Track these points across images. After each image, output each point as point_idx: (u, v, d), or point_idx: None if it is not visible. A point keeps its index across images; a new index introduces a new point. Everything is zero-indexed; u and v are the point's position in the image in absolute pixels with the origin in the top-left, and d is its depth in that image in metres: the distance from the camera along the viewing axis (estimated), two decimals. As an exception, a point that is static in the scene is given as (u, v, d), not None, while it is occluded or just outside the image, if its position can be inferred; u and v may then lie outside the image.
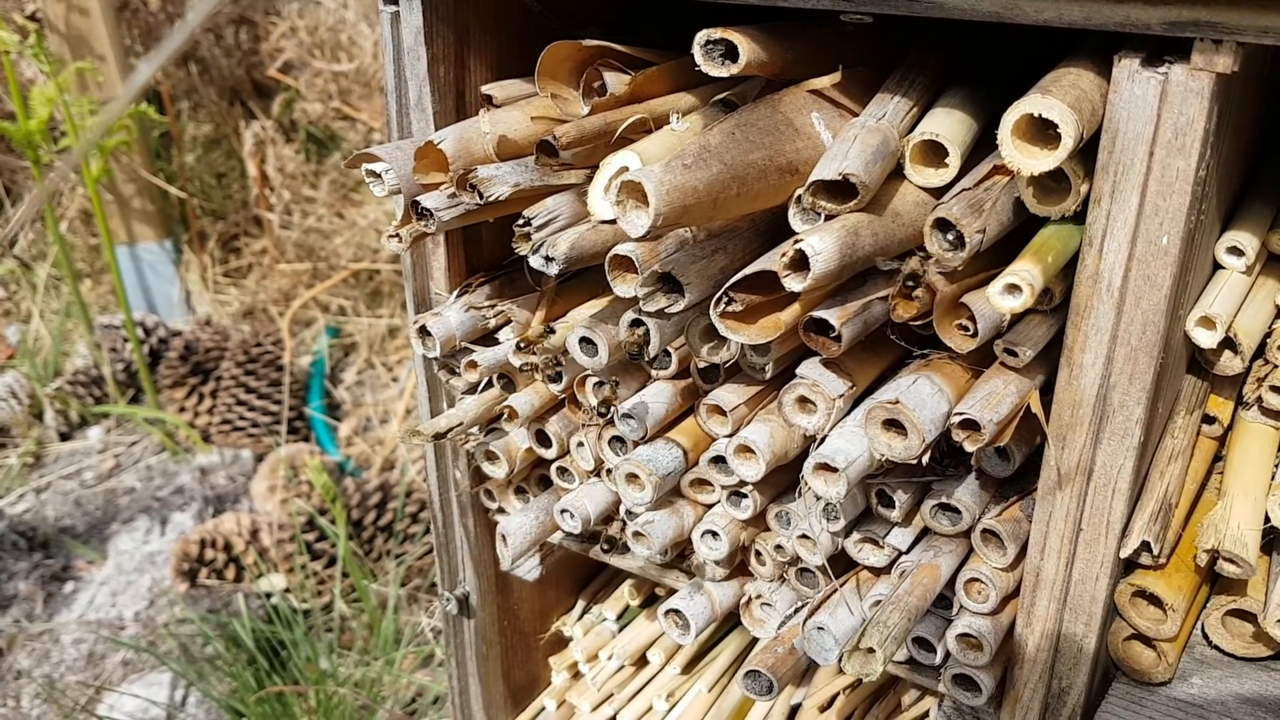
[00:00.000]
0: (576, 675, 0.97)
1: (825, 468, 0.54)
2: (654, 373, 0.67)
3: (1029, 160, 0.47)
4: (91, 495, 2.24)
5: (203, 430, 2.31)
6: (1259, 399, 0.61)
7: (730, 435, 0.63)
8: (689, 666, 0.93)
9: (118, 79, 2.58)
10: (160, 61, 0.37)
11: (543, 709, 0.96)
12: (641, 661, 0.94)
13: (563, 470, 0.75)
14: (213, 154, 2.89)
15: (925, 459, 0.53)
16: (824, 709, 0.85)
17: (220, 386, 2.34)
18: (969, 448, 0.52)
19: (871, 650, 0.52)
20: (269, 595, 1.88)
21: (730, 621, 0.89)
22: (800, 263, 0.50)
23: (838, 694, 0.84)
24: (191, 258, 2.74)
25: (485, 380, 0.74)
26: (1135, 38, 0.47)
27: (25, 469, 2.30)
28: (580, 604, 1.00)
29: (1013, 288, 0.48)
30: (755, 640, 0.92)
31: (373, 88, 2.87)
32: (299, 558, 1.89)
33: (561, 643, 1.00)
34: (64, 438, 2.41)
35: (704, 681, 0.90)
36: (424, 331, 0.71)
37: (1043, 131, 0.47)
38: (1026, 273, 0.47)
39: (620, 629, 0.96)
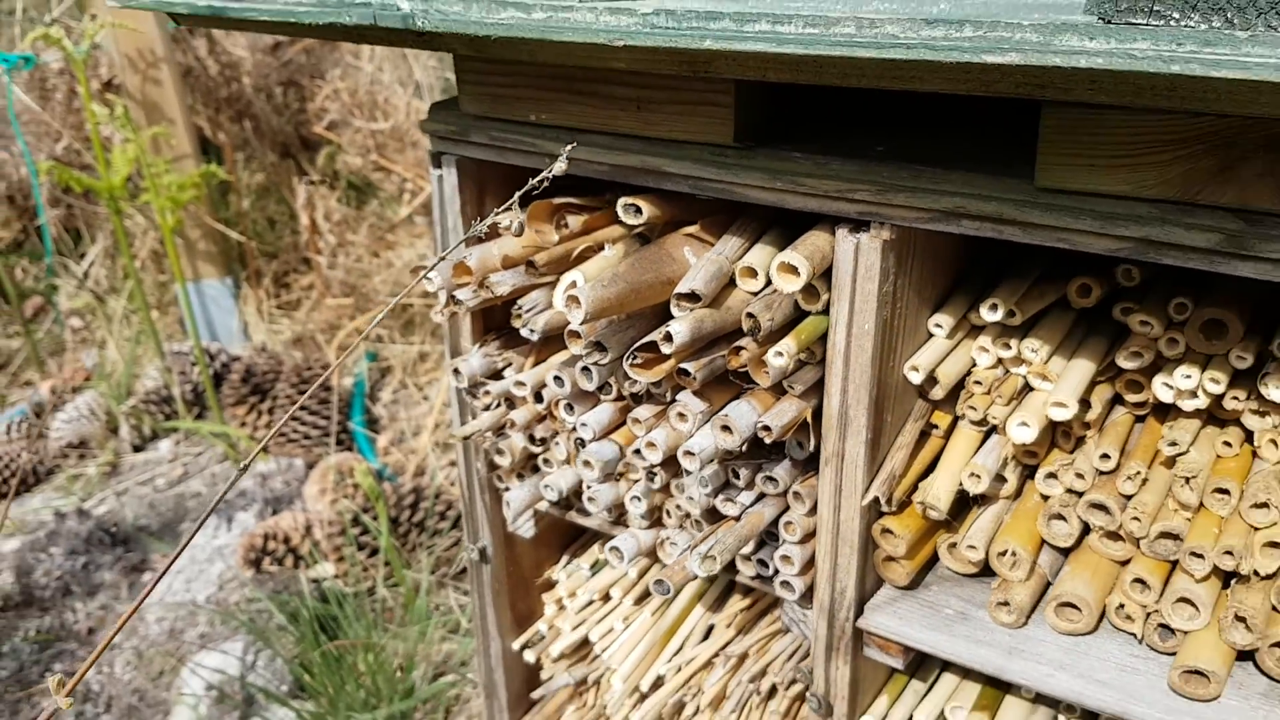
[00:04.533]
0: (561, 607, 1.33)
1: (689, 454, 0.93)
2: (602, 398, 1.06)
3: (787, 284, 0.86)
4: (164, 499, 2.44)
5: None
6: (963, 415, 0.99)
7: (644, 435, 1.02)
8: (639, 601, 1.31)
9: (185, 138, 2.84)
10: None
11: (538, 630, 1.35)
12: (606, 597, 1.31)
13: (546, 460, 1.14)
14: (265, 200, 3.17)
15: (744, 449, 0.92)
16: (729, 625, 1.23)
17: (276, 404, 2.55)
18: (766, 441, 0.91)
19: (712, 557, 0.91)
20: (321, 580, 2.08)
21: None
22: (669, 338, 0.89)
23: (739, 611, 1.23)
24: (249, 292, 3.01)
25: (495, 402, 1.13)
26: (844, 218, 0.86)
27: (104, 476, 2.51)
28: (565, 558, 1.32)
29: (778, 353, 0.86)
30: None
31: (405, 142, 3.12)
32: (347, 549, 2.10)
33: (551, 584, 1.32)
34: (137, 449, 2.62)
35: (649, 610, 1.28)
36: (456, 371, 1.11)
37: (795, 268, 0.86)
38: (785, 345, 0.86)
39: (592, 575, 1.32)
